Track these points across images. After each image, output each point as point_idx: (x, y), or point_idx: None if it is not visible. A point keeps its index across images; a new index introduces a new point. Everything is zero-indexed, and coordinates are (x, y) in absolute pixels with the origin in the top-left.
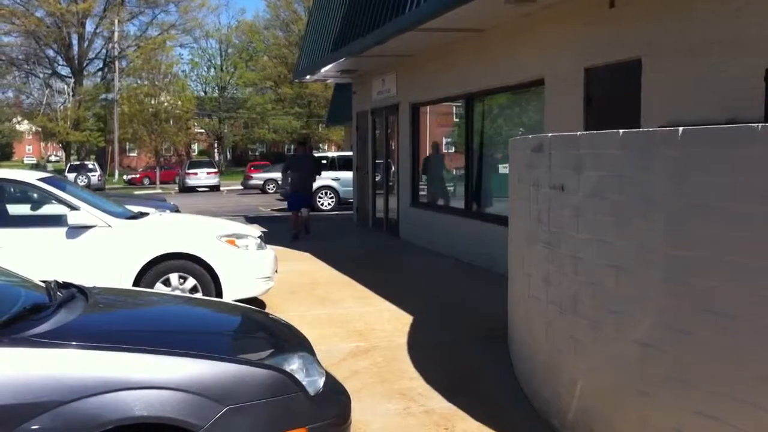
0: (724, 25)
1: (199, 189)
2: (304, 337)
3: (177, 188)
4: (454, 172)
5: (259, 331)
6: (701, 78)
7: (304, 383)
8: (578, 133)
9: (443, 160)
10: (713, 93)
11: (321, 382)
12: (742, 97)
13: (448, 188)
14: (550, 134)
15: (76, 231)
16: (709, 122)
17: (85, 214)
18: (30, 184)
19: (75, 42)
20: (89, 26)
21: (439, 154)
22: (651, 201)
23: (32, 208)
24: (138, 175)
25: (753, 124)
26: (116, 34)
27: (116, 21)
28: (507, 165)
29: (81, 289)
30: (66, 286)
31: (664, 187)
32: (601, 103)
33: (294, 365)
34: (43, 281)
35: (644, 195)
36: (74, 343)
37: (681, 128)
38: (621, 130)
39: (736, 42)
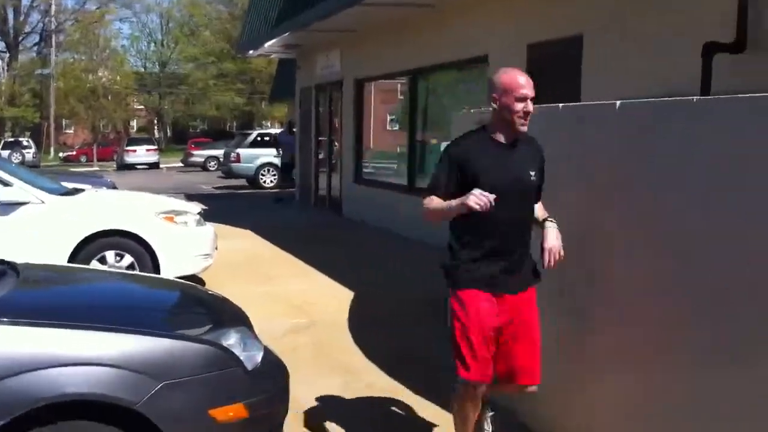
0: (664, 2)
1: (139, 166)
2: (243, 312)
3: (115, 166)
4: (398, 149)
5: (196, 307)
6: (641, 54)
7: (241, 358)
8: None
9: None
10: (653, 68)
11: (259, 356)
12: (681, 72)
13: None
14: (491, 109)
15: (7, 208)
16: (649, 97)
17: (17, 190)
18: None
19: (10, 15)
20: None
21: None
22: (591, 174)
23: None
24: (74, 153)
25: (689, 98)
26: (53, 8)
27: None
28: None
29: (12, 265)
30: None
31: (603, 160)
32: (543, 78)
33: (231, 340)
34: None
35: (584, 168)
36: (4, 319)
37: (618, 102)
38: (560, 105)
39: (676, 18)
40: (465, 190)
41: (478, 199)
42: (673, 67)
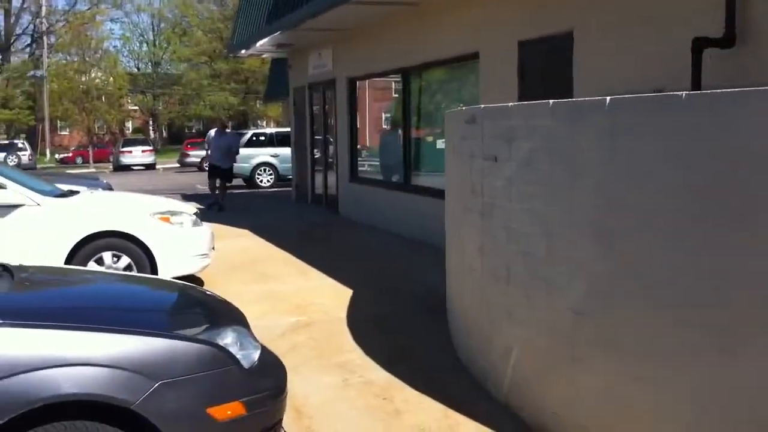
0: None
1: (135, 167)
2: (239, 311)
3: (111, 167)
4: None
5: (192, 307)
6: (632, 49)
7: (238, 357)
8: (509, 104)
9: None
10: (644, 64)
11: (256, 355)
12: (672, 67)
13: (390, 163)
14: (482, 106)
15: (3, 210)
16: (640, 93)
17: (11, 192)
18: None
19: (1, 18)
20: (15, 1)
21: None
22: (580, 170)
23: None
24: (70, 154)
25: (677, 93)
26: (44, 9)
27: None
28: (444, 139)
29: (6, 268)
30: None
31: (593, 156)
32: (534, 75)
33: (228, 339)
34: None
35: (574, 164)
36: (0, 321)
37: (608, 98)
38: (551, 101)
39: (666, 13)
40: None
41: None
42: (664, 63)
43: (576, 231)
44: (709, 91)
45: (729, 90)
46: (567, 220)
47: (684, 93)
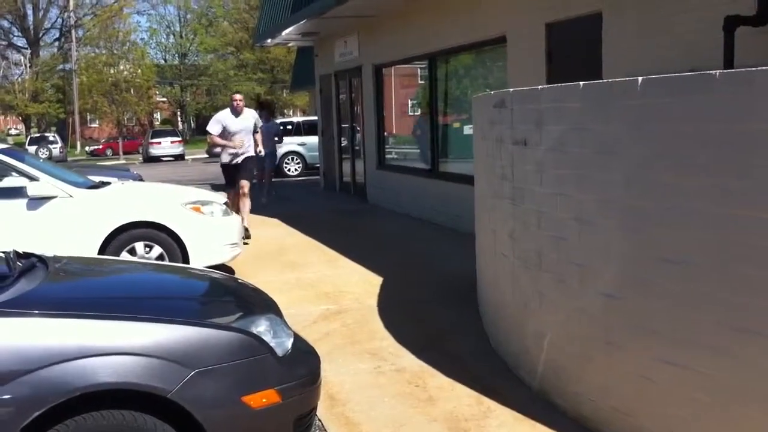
0: None
1: (164, 158)
2: (272, 299)
3: (141, 158)
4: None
5: (226, 295)
6: (662, 29)
7: (271, 345)
8: (539, 87)
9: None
10: (674, 44)
11: (289, 343)
12: (703, 47)
13: (415, 150)
14: (511, 89)
15: (36, 202)
16: (670, 73)
17: (45, 184)
18: None
19: (30, 12)
20: None
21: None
22: (611, 152)
23: None
24: (101, 146)
25: (711, 72)
26: (71, 3)
27: None
28: (471, 125)
29: (41, 259)
30: (26, 255)
31: (625, 138)
32: (563, 58)
33: (261, 327)
34: (2, 252)
35: (605, 147)
36: (36, 311)
37: (640, 78)
38: (581, 83)
39: None
40: None
41: None
42: (695, 42)
43: (608, 214)
44: (744, 69)
45: (764, 68)
46: (599, 203)
47: (718, 72)
